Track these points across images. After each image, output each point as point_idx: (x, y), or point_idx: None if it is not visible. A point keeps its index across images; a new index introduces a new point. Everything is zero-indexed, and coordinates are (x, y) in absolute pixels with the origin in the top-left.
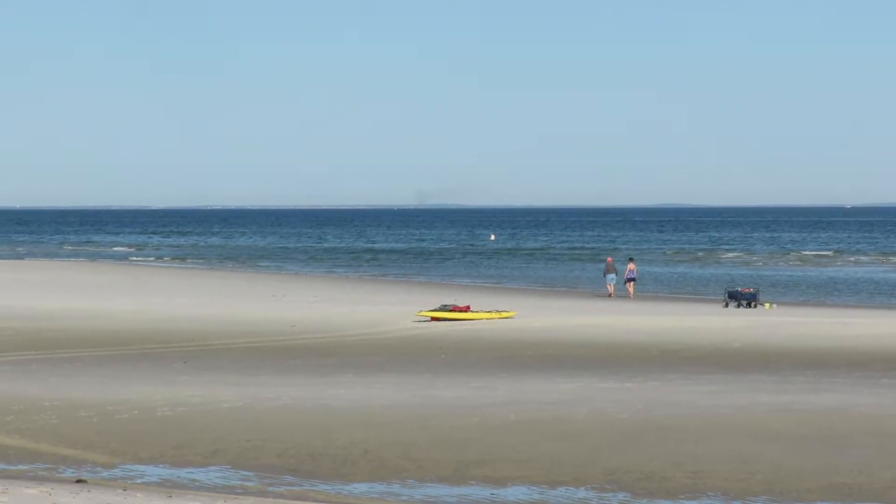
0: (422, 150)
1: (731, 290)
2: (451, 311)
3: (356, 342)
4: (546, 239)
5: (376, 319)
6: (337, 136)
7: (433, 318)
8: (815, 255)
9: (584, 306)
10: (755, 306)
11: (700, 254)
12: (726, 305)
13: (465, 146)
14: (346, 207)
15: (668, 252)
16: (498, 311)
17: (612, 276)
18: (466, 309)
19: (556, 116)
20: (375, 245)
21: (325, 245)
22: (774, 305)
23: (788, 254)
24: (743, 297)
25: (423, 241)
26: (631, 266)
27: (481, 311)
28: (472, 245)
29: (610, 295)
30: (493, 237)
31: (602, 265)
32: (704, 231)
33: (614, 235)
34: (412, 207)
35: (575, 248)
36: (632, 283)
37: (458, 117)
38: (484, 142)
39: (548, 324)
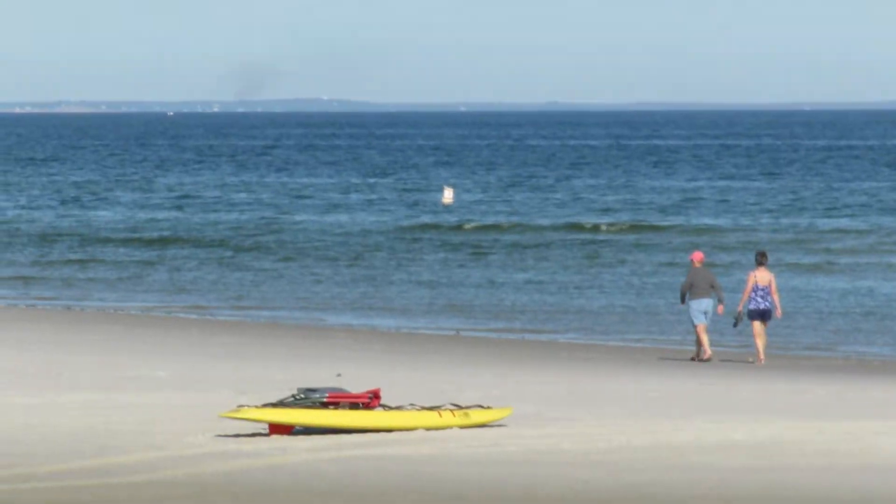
0: None
1: None
2: (326, 405)
3: None
4: (553, 196)
5: (124, 428)
6: None
7: (273, 426)
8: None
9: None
10: None
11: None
12: None
13: None
14: None
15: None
16: (461, 409)
17: (708, 303)
18: (371, 401)
19: None
20: None
21: None
22: None
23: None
24: None
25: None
26: (760, 276)
27: (414, 409)
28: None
29: (704, 356)
30: (448, 195)
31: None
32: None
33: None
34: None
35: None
36: (761, 322)
37: None
38: None
39: (589, 442)
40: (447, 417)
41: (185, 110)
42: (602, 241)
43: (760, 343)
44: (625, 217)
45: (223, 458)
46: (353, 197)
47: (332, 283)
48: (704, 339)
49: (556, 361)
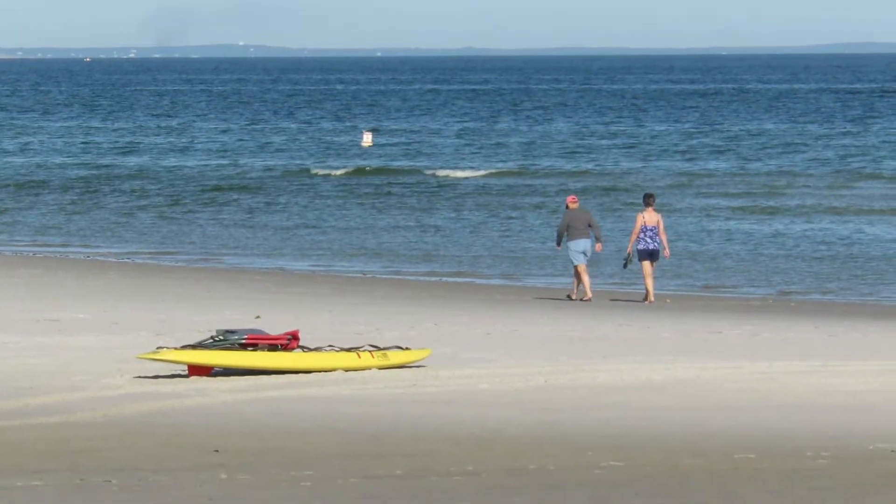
0: None
1: None
2: (245, 346)
3: None
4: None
5: (42, 370)
6: None
7: (192, 368)
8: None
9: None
10: None
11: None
12: None
13: None
14: None
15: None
16: (379, 350)
17: (585, 243)
18: (290, 342)
19: None
20: None
21: None
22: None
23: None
24: None
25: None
26: (648, 217)
27: (332, 350)
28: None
29: (585, 297)
30: (368, 138)
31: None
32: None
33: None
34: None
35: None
36: (650, 262)
37: None
38: None
39: (506, 383)
40: (366, 358)
41: (102, 56)
42: (504, 187)
43: (650, 283)
44: (546, 163)
45: (142, 399)
46: (261, 139)
47: (242, 227)
48: (585, 278)
49: (473, 303)
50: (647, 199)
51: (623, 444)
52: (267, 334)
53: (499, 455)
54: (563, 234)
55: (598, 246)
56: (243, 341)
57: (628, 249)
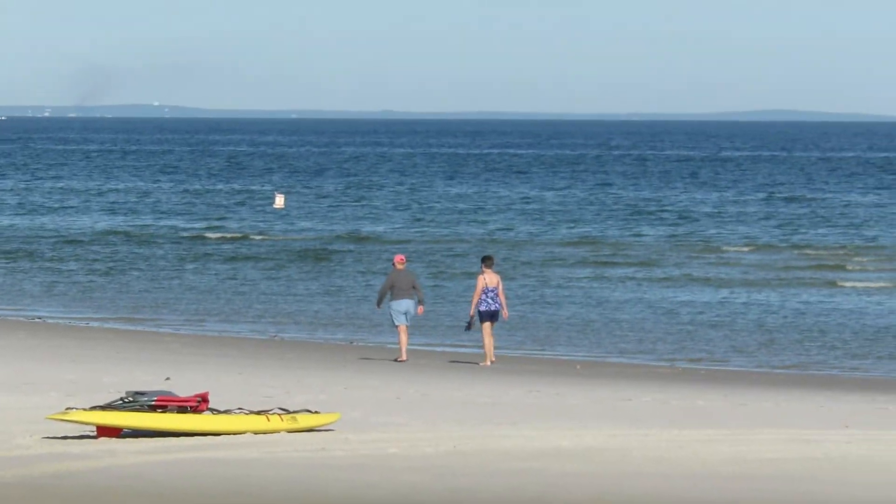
0: None
1: None
2: (154, 408)
3: None
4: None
5: None
6: None
7: (102, 429)
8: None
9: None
10: None
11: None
12: None
13: None
14: None
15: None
16: (289, 413)
17: (408, 303)
18: (200, 404)
19: None
20: None
21: None
22: None
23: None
24: None
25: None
26: (489, 278)
27: (242, 413)
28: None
29: (400, 357)
30: (280, 200)
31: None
32: None
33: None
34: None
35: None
36: (490, 323)
37: None
38: None
39: (416, 447)
40: (275, 422)
41: (17, 115)
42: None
43: (489, 342)
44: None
45: (51, 459)
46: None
47: (161, 289)
48: (403, 339)
49: (384, 367)
50: (487, 261)
51: None
52: (177, 396)
53: None
54: (386, 294)
55: (420, 308)
56: (153, 403)
57: (471, 312)
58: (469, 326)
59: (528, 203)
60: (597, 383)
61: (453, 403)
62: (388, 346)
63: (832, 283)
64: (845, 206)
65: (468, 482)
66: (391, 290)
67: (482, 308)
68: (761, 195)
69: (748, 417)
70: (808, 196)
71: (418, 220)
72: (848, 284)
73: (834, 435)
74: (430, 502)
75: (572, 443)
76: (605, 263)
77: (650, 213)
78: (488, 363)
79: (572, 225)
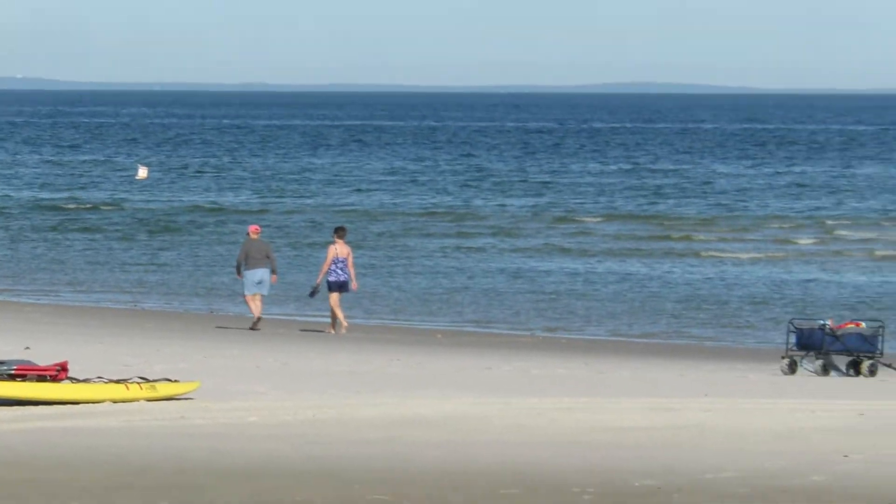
0: None
1: (801, 324)
2: (14, 377)
3: None
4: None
5: None
6: None
7: None
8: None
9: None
10: (873, 369)
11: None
12: (791, 367)
13: None
14: None
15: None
16: (148, 382)
17: (262, 272)
18: (59, 373)
19: None
20: None
21: None
22: None
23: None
24: (838, 345)
25: None
26: (339, 249)
27: (101, 382)
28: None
29: (255, 322)
30: (143, 171)
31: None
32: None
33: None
34: None
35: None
36: (339, 293)
37: None
38: None
39: (275, 416)
40: (134, 390)
41: None
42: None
43: (339, 312)
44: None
45: None
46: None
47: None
48: (253, 307)
49: (243, 336)
50: (339, 232)
51: (390, 478)
52: (36, 365)
53: (265, 489)
54: (242, 263)
55: (274, 277)
56: (12, 372)
57: (318, 280)
58: (313, 293)
59: (391, 175)
60: (458, 352)
61: (313, 372)
62: (248, 315)
63: (695, 253)
64: (707, 177)
65: (327, 450)
66: (245, 260)
67: (331, 278)
68: (626, 166)
69: (608, 386)
70: (671, 168)
71: (274, 190)
72: (709, 254)
73: (694, 403)
74: (288, 470)
75: (433, 411)
76: (465, 234)
77: (512, 183)
78: (342, 331)
79: (433, 195)
